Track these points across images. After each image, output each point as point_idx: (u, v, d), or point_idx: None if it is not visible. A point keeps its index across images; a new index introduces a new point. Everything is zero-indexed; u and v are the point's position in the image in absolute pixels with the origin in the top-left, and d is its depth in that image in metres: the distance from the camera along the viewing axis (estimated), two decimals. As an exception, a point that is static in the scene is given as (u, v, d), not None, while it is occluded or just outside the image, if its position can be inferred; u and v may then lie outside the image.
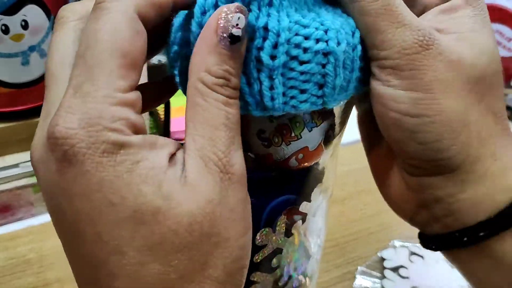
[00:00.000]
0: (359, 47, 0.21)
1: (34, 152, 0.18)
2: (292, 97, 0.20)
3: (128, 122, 0.17)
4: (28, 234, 0.47)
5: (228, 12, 0.18)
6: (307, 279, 0.31)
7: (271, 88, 0.20)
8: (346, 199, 0.54)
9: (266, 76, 0.20)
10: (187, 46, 0.20)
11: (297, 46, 0.19)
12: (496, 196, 0.20)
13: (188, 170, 0.17)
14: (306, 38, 0.19)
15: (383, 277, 0.44)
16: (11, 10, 0.43)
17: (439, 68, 0.19)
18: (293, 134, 0.23)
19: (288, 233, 0.26)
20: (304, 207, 0.26)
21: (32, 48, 0.47)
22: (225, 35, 0.18)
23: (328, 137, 0.25)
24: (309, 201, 0.26)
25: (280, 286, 0.28)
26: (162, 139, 0.18)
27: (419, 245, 0.53)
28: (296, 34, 0.19)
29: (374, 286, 0.43)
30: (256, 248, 0.25)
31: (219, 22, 0.18)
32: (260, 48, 0.19)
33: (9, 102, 0.48)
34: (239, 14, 0.18)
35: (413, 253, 0.47)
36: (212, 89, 0.18)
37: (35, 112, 0.48)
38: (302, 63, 0.20)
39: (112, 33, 0.17)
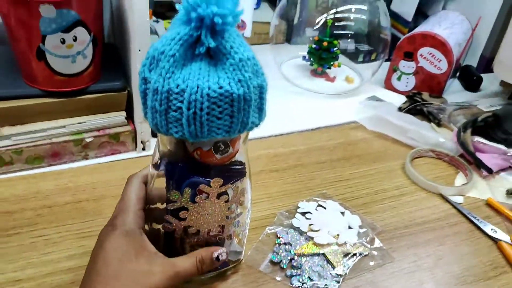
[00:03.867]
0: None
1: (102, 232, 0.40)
2: (172, 128, 0.35)
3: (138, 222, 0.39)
4: (69, 172, 0.61)
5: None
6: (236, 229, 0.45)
7: (161, 121, 0.35)
8: (286, 170, 0.67)
9: (159, 115, 0.34)
10: None
11: (175, 99, 0.33)
12: None
13: None
14: (179, 93, 0.33)
15: (293, 217, 0.56)
16: (67, 30, 0.55)
17: None
18: None
19: (194, 200, 0.38)
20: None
21: (78, 53, 0.57)
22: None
23: (218, 148, 0.37)
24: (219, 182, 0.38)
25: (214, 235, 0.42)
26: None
27: (327, 201, 0.62)
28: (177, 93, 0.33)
29: (286, 222, 0.56)
30: (170, 201, 0.39)
31: None
32: (155, 100, 0.34)
33: (62, 85, 0.58)
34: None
35: (319, 206, 0.59)
36: None
37: (78, 93, 0.60)
38: (175, 110, 0.33)
39: (131, 192, 0.41)
